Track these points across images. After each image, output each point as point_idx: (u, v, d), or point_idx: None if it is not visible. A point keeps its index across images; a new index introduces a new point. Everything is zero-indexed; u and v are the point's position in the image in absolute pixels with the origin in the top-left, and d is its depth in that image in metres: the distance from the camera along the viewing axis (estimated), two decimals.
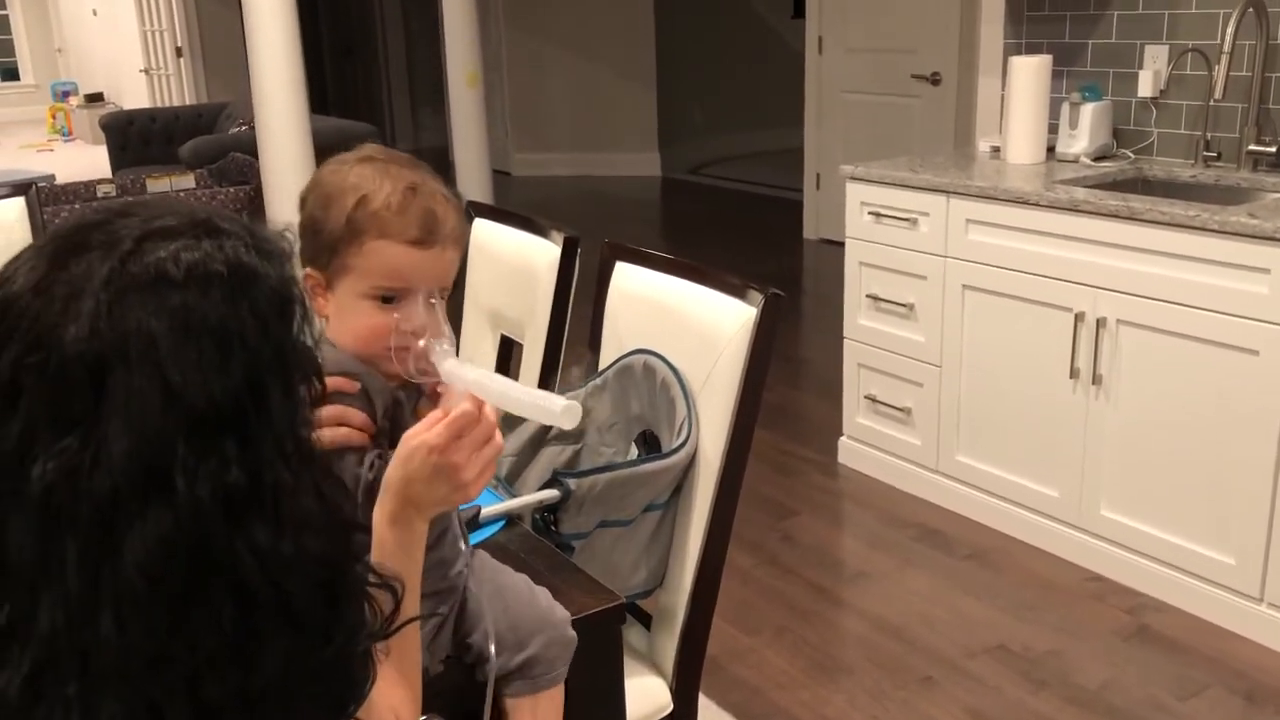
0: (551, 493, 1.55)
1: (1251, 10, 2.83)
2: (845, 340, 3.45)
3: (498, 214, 2.23)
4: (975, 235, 2.98)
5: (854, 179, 3.30)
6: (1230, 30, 2.76)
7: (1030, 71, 3.16)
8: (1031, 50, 3.43)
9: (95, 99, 11.54)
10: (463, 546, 1.24)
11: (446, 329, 1.16)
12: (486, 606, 1.23)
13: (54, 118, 11.94)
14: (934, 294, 3.12)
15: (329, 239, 1.18)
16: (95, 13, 11.66)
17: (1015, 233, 2.88)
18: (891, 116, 5.76)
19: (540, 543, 1.45)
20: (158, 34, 9.20)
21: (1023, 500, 3.00)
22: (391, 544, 1.05)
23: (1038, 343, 2.87)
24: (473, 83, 5.61)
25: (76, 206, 4.35)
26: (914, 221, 3.14)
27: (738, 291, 1.64)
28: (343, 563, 0.82)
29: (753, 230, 6.98)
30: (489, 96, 8.96)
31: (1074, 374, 2.78)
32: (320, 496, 0.80)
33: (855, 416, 3.48)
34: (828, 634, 2.65)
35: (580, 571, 1.37)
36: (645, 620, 1.81)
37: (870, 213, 3.27)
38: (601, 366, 1.88)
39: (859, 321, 3.40)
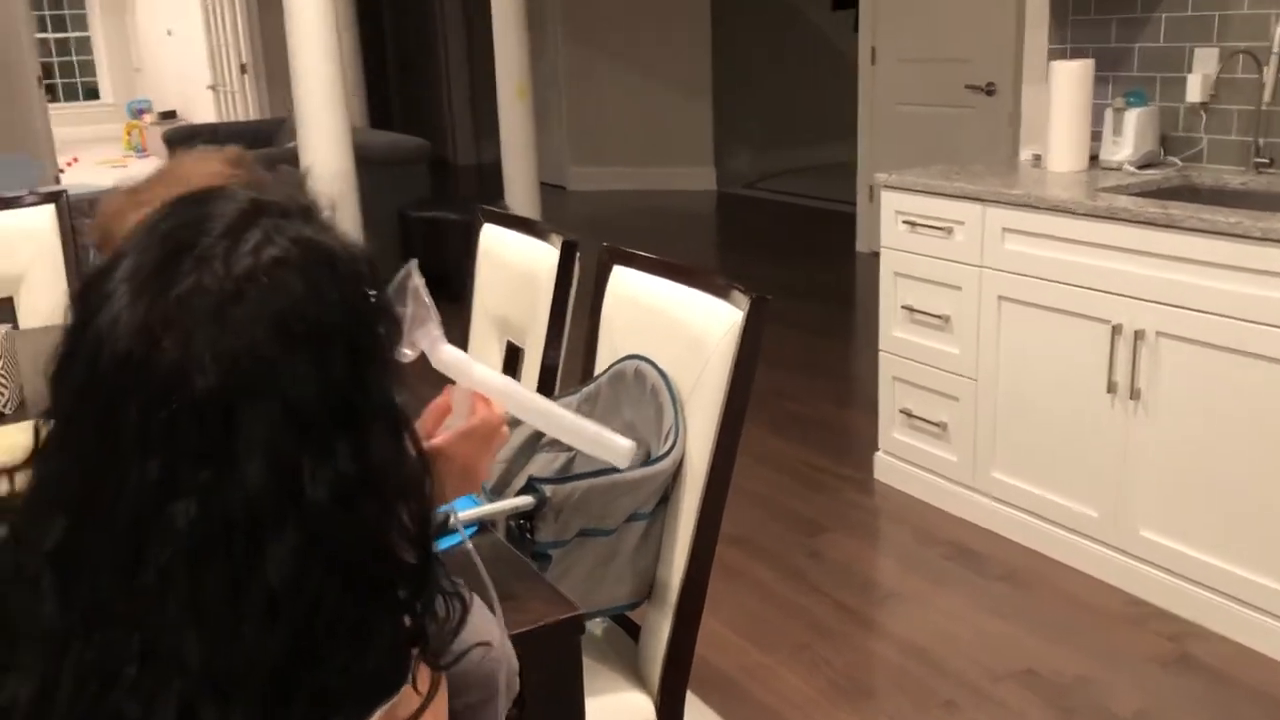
0: (526, 499, 1.51)
1: None
2: (880, 353, 3.37)
3: (503, 219, 2.20)
4: (1011, 245, 2.89)
5: (889, 187, 3.22)
6: None
7: (1072, 77, 3.06)
8: (1076, 55, 3.32)
9: (169, 116, 11.82)
10: None
11: (434, 310, 1.13)
12: None
13: (129, 135, 12.24)
14: (969, 305, 3.03)
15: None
16: (170, 32, 11.97)
17: (1052, 242, 2.78)
18: (945, 128, 5.65)
19: (507, 550, 1.40)
20: (224, 52, 9.40)
21: (1059, 519, 2.89)
22: None
23: (1075, 356, 2.76)
24: (521, 95, 5.62)
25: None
26: (949, 231, 3.05)
27: (725, 294, 1.59)
28: (427, 525, 0.84)
29: (806, 244, 6.90)
30: (547, 111, 9.01)
31: (1112, 388, 2.67)
32: (412, 459, 0.82)
33: (891, 431, 3.39)
34: (849, 654, 2.57)
35: (543, 581, 1.33)
36: (635, 633, 1.76)
37: (905, 222, 3.19)
38: (597, 372, 1.84)
39: (894, 333, 3.31)
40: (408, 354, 1.08)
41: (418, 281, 1.08)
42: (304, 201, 0.82)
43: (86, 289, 0.76)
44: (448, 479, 1.05)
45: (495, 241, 2.21)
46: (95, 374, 0.73)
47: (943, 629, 2.65)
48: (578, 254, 1.97)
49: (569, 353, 2.04)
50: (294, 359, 0.73)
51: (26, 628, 0.74)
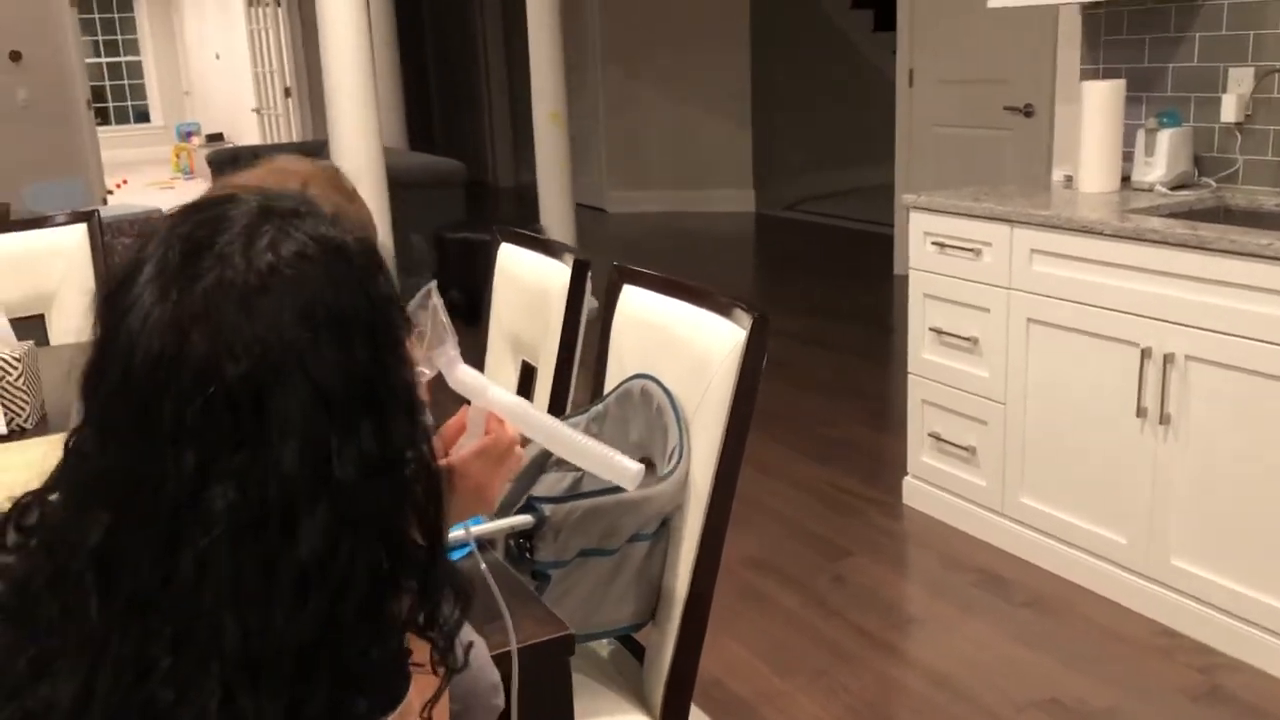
0: (525, 518, 1.50)
1: None
2: (909, 375, 3.33)
3: (520, 239, 2.20)
4: (1040, 266, 2.85)
5: (917, 209, 3.20)
6: None
7: (1103, 97, 3.02)
8: (1109, 75, 3.28)
9: (215, 138, 12.03)
10: None
11: (451, 329, 1.13)
12: None
13: (178, 157, 12.47)
14: (998, 327, 2.99)
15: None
16: (218, 56, 12.20)
17: (1080, 263, 2.74)
18: (983, 149, 5.60)
19: (502, 569, 1.39)
20: (269, 75, 9.54)
21: (1089, 546, 2.83)
22: None
23: (1104, 379, 2.71)
24: (555, 120, 5.64)
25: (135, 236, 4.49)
26: (978, 252, 3.02)
27: (729, 313, 1.58)
28: (440, 514, 0.86)
29: (846, 266, 6.87)
30: (587, 134, 9.06)
31: (1141, 413, 2.62)
32: (430, 446, 0.85)
33: (920, 455, 3.35)
34: (868, 681, 2.53)
35: (536, 600, 1.32)
36: (642, 654, 1.74)
37: (934, 243, 3.16)
38: (606, 391, 1.83)
39: (923, 356, 3.27)
40: (425, 373, 1.08)
41: (437, 301, 1.08)
42: (312, 206, 0.85)
43: (111, 295, 0.79)
44: (460, 497, 1.05)
45: (511, 261, 2.21)
46: (129, 375, 0.75)
47: (966, 656, 2.61)
48: (589, 273, 1.96)
49: (581, 371, 2.03)
50: (319, 344, 0.76)
51: (67, 632, 0.76)
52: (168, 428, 0.74)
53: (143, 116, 14.49)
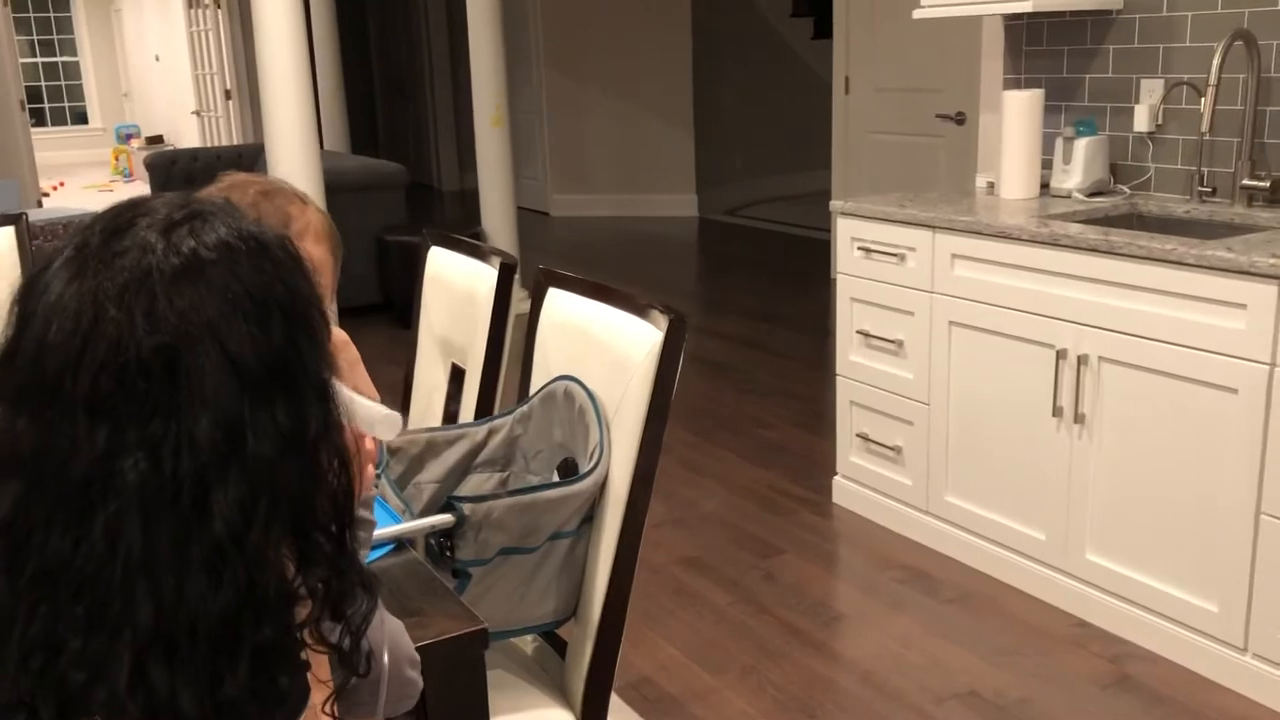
0: (444, 517, 1.53)
1: (1241, 43, 2.76)
2: (837, 377, 3.40)
3: (449, 241, 2.24)
4: (961, 271, 2.93)
5: (844, 214, 3.27)
6: (1216, 63, 2.69)
7: (1023, 106, 3.11)
8: (1031, 85, 3.38)
9: (156, 141, 11.88)
10: None
11: None
12: None
13: (116, 159, 12.30)
14: (921, 330, 3.07)
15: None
16: (157, 58, 12.05)
17: (999, 268, 2.82)
18: (917, 156, 5.71)
19: (420, 568, 1.43)
20: (209, 77, 9.45)
21: (1010, 542, 2.92)
22: None
23: (1022, 380, 2.80)
24: (497, 124, 5.67)
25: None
26: (902, 257, 3.09)
27: (647, 315, 1.62)
28: (350, 502, 0.87)
29: (786, 270, 6.95)
30: (530, 138, 9.08)
31: (1057, 412, 2.71)
32: (341, 432, 0.86)
33: (849, 455, 3.42)
34: (795, 676, 2.59)
35: (452, 598, 1.35)
36: (564, 649, 1.78)
37: (860, 248, 3.23)
38: (531, 393, 1.87)
39: (850, 358, 3.35)
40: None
41: None
42: (234, 207, 0.88)
43: (31, 278, 0.81)
44: None
45: (440, 264, 2.24)
46: (43, 347, 0.77)
47: (891, 651, 2.68)
48: (515, 275, 2.00)
49: (509, 373, 2.07)
50: (234, 319, 0.78)
51: None
52: (81, 397, 0.75)
53: (81, 118, 14.27)
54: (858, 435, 3.36)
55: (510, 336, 2.05)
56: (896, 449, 3.22)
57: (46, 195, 9.85)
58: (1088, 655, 2.61)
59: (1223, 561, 2.42)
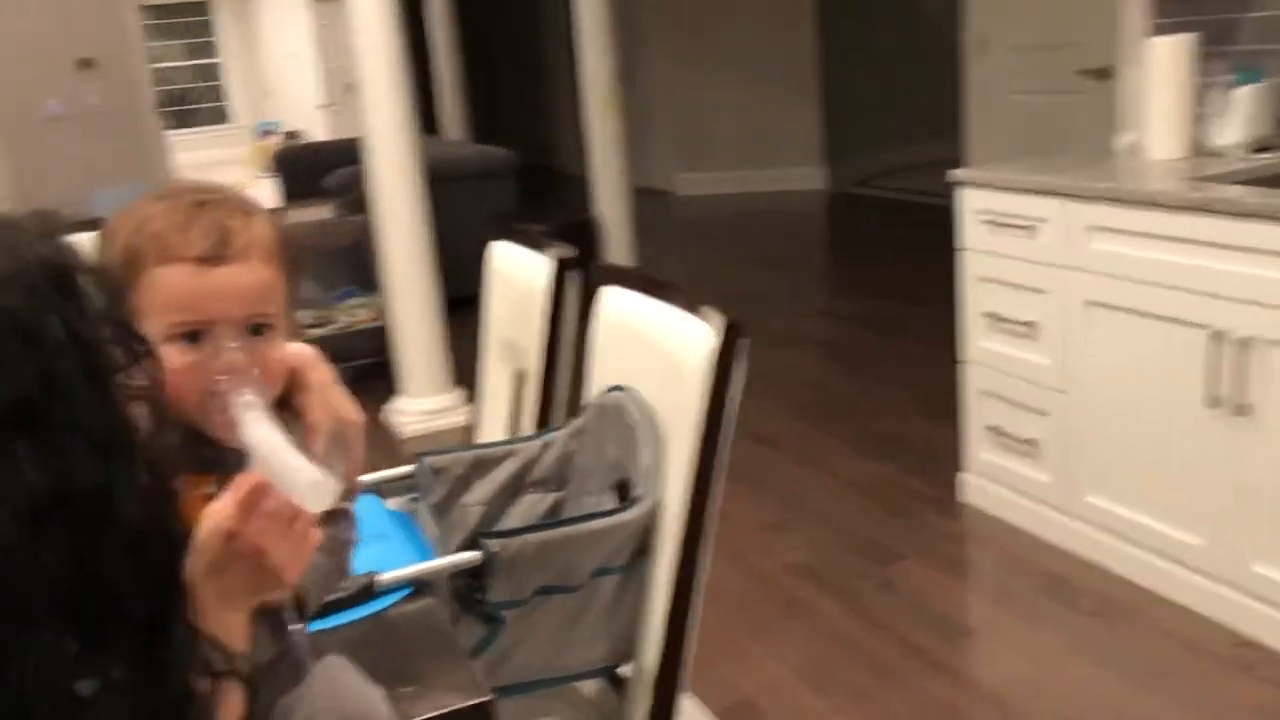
0: (470, 555, 1.35)
1: None
2: (965, 364, 3.10)
3: (512, 234, 2.05)
4: (1099, 244, 2.60)
5: (967, 184, 2.96)
6: None
7: (1171, 53, 2.75)
8: (1181, 30, 2.99)
9: (293, 136, 12.12)
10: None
11: (255, 374, 0.97)
12: None
13: (257, 156, 12.61)
14: (1055, 311, 2.74)
15: (115, 282, 1.01)
16: (293, 55, 12.29)
17: (1143, 239, 2.48)
18: (1056, 116, 5.27)
19: (432, 618, 1.24)
20: (335, 71, 9.56)
21: (1161, 548, 2.58)
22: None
23: (1171, 367, 2.46)
24: (606, 106, 5.48)
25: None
26: (1032, 230, 2.77)
27: (701, 314, 1.40)
28: (173, 595, 0.71)
29: (915, 243, 6.57)
30: (650, 117, 8.88)
31: (1213, 402, 2.37)
32: (151, 503, 0.69)
33: (977, 449, 3.11)
34: (914, 701, 2.33)
35: (458, 661, 1.16)
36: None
37: (986, 221, 2.92)
38: (585, 403, 1.67)
39: (979, 343, 3.04)
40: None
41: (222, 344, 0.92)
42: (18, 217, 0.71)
43: None
44: (234, 571, 0.86)
45: (502, 260, 2.06)
46: None
47: (1022, 673, 2.39)
48: (572, 271, 1.80)
49: (572, 376, 1.87)
50: None
51: None
52: None
53: (225, 117, 14.73)
54: (987, 427, 3.05)
55: (569, 337, 1.85)
56: (1031, 442, 2.90)
57: None
58: (1254, 681, 2.27)
59: None
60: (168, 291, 0.99)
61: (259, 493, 0.85)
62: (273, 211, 1.08)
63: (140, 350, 0.72)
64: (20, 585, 0.62)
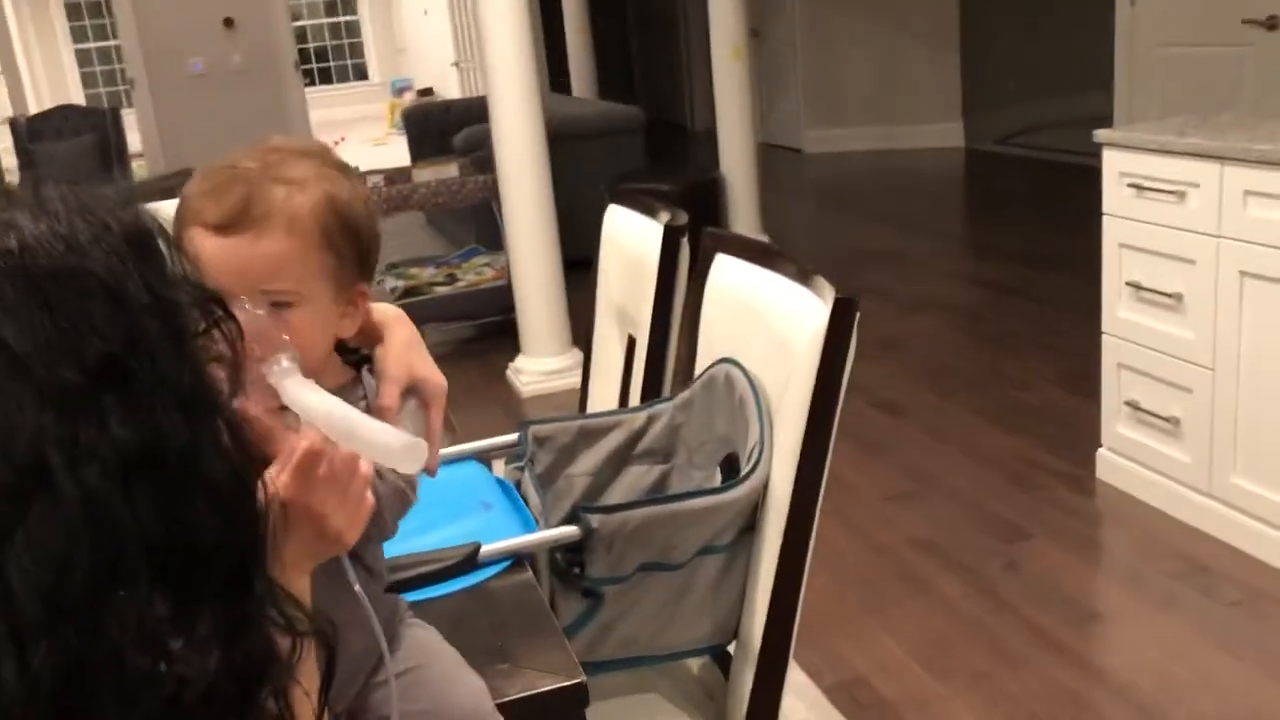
0: (570, 530, 1.32)
1: None
2: (1104, 335, 2.95)
3: (627, 198, 2.00)
4: (1256, 210, 2.42)
5: (1111, 145, 2.79)
6: None
7: None
8: None
9: (426, 93, 12.30)
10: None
11: (284, 340, 0.94)
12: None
13: (392, 113, 12.84)
14: (1205, 282, 2.58)
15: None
16: (426, 12, 12.45)
17: None
18: (1218, 71, 4.96)
19: (528, 594, 1.22)
20: (468, 28, 9.63)
21: None
22: None
23: None
24: (736, 58, 5.37)
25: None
26: (1182, 195, 2.60)
27: (813, 285, 1.34)
28: (256, 555, 0.69)
29: (1056, 205, 6.31)
30: (781, 71, 8.70)
31: None
32: (235, 464, 0.68)
33: (1115, 425, 2.96)
34: (1036, 688, 2.23)
35: (554, 640, 1.13)
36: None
37: (1131, 185, 2.75)
38: (697, 372, 1.62)
39: (1119, 314, 2.88)
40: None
41: (251, 308, 0.89)
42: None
43: None
44: (295, 536, 0.85)
45: (617, 224, 2.02)
46: None
47: (1154, 663, 2.27)
48: (683, 238, 1.75)
49: (682, 346, 1.83)
50: (27, 308, 0.60)
51: None
52: None
53: (362, 74, 15.04)
54: (1126, 403, 2.90)
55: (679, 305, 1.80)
56: (1173, 420, 2.75)
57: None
58: None
59: None
60: (193, 256, 0.97)
61: (313, 457, 0.83)
62: (354, 178, 1.04)
63: (217, 314, 0.71)
64: (115, 542, 0.61)
